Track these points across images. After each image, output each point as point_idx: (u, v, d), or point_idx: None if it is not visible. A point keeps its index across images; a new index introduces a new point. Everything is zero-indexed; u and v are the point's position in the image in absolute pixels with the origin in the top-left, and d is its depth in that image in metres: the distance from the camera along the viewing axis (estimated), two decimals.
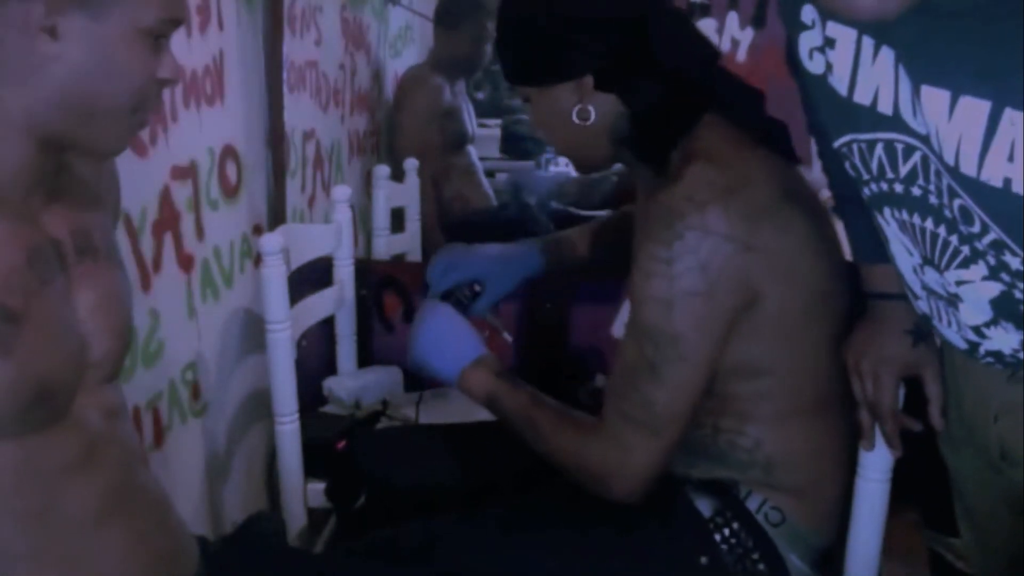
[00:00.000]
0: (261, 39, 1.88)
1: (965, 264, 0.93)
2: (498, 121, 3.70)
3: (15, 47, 0.81)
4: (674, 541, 1.19)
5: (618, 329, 2.09)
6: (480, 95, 3.23)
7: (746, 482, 1.20)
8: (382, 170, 2.51)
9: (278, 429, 1.58)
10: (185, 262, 1.59)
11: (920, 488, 1.28)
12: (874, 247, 1.10)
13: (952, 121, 0.82)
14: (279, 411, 1.57)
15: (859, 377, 1.14)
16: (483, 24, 2.89)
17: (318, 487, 1.61)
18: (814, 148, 1.20)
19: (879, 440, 1.16)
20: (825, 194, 1.24)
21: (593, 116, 1.21)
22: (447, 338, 1.31)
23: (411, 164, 2.71)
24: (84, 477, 0.89)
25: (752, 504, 1.19)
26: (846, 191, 1.12)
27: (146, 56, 0.87)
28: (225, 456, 1.77)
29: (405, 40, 3.27)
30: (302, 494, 1.60)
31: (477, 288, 1.44)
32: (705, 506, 1.19)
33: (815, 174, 1.23)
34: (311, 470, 1.61)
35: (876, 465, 1.19)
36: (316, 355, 1.95)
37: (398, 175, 2.64)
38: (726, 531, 1.18)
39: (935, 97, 0.83)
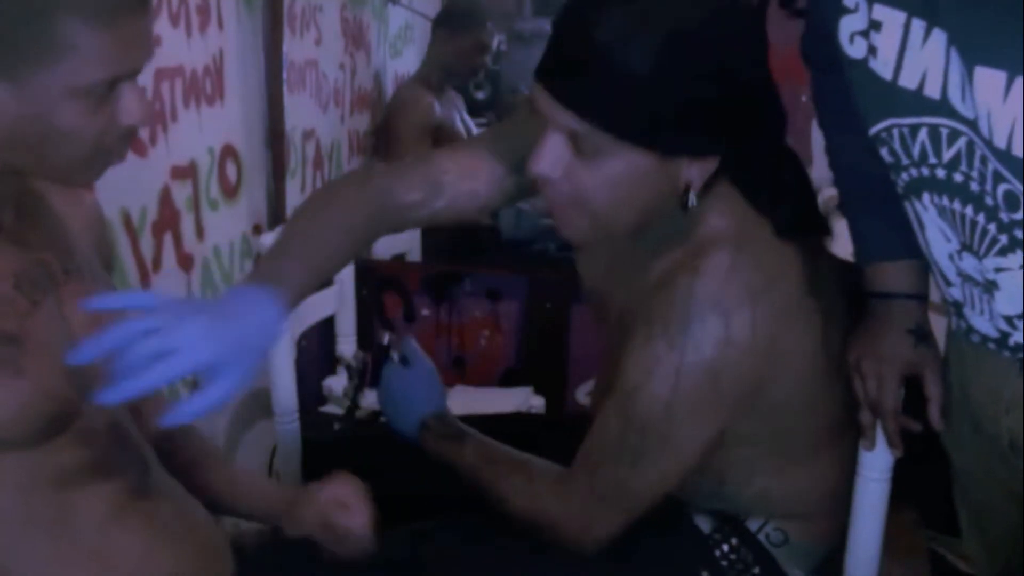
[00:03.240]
0: (261, 39, 1.88)
1: (1003, 252, 0.93)
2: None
3: None
4: (673, 556, 1.16)
5: None
6: (480, 94, 3.23)
7: (750, 514, 1.18)
8: None
9: (278, 429, 1.57)
10: (185, 262, 1.59)
11: (920, 488, 1.28)
12: (881, 246, 1.10)
13: (1007, 102, 0.82)
14: (279, 411, 1.57)
15: (861, 376, 1.12)
16: (485, 35, 2.90)
17: None
18: (816, 147, 1.19)
19: (880, 440, 1.16)
20: (826, 193, 1.23)
21: (693, 200, 1.00)
22: (392, 406, 1.28)
23: None
24: (93, 483, 0.90)
25: (752, 526, 1.17)
26: (857, 188, 1.11)
27: (90, 113, 0.82)
28: (225, 456, 1.77)
29: (405, 40, 3.27)
30: None
31: None
32: (704, 523, 1.18)
33: (815, 173, 1.23)
34: (311, 470, 1.61)
35: (876, 465, 1.18)
36: (316, 355, 1.95)
37: None
38: (725, 547, 1.16)
39: (990, 78, 0.83)
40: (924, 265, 1.09)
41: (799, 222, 1.06)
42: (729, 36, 0.96)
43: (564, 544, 1.11)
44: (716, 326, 0.99)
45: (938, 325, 1.14)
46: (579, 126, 0.95)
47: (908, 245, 1.09)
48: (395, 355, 1.31)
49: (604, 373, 1.22)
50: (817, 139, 1.21)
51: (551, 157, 0.98)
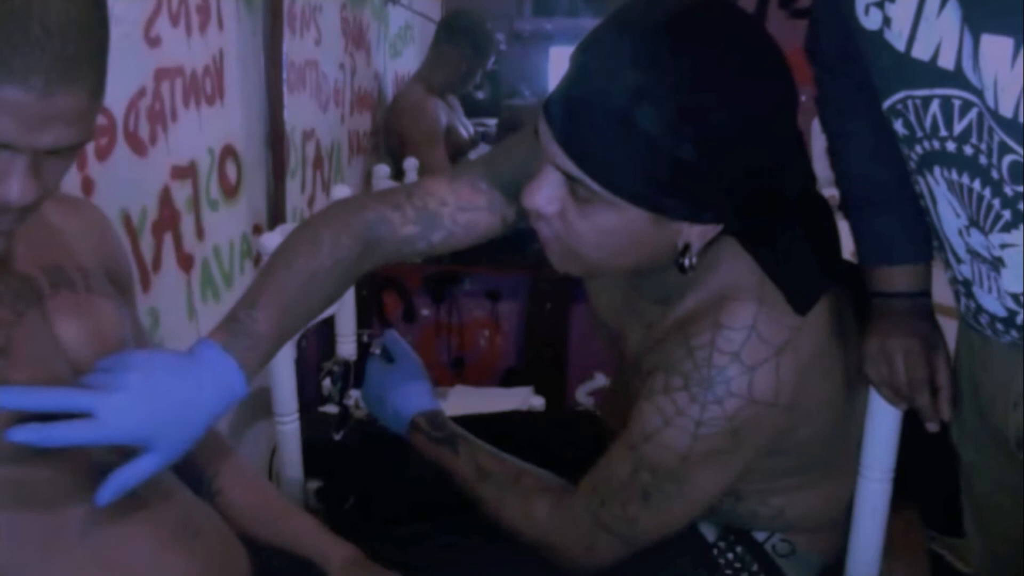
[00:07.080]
0: (261, 39, 1.88)
1: (1007, 228, 0.93)
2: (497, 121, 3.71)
3: None
4: (675, 559, 1.15)
5: None
6: (480, 94, 3.24)
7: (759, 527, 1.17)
8: (382, 170, 2.52)
9: (278, 429, 1.57)
10: (185, 262, 1.59)
11: (920, 488, 1.28)
12: (888, 250, 1.11)
13: (1014, 70, 0.82)
14: (279, 411, 1.57)
15: (886, 358, 1.10)
16: (484, 54, 2.91)
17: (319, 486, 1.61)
18: (816, 147, 1.20)
19: (879, 439, 1.16)
20: (828, 192, 1.23)
21: (692, 261, 0.97)
22: (378, 404, 1.27)
23: (411, 164, 2.72)
24: (91, 490, 0.89)
25: (759, 536, 1.17)
26: (862, 193, 1.12)
27: None
28: None
29: (405, 40, 3.27)
30: (302, 494, 1.60)
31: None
32: (710, 532, 1.17)
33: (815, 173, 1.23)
34: (311, 469, 1.61)
35: (877, 465, 1.19)
36: (316, 355, 1.95)
37: (398, 175, 2.64)
38: (730, 555, 1.15)
39: (997, 45, 0.82)
40: (928, 266, 1.10)
41: (815, 287, 1.02)
42: (748, 110, 0.88)
43: (563, 565, 1.10)
44: (738, 382, 0.97)
45: (943, 327, 1.14)
46: (577, 173, 0.91)
47: (913, 249, 1.10)
48: (376, 350, 1.29)
49: (616, 404, 1.21)
50: (817, 139, 1.21)
51: (547, 193, 0.95)
